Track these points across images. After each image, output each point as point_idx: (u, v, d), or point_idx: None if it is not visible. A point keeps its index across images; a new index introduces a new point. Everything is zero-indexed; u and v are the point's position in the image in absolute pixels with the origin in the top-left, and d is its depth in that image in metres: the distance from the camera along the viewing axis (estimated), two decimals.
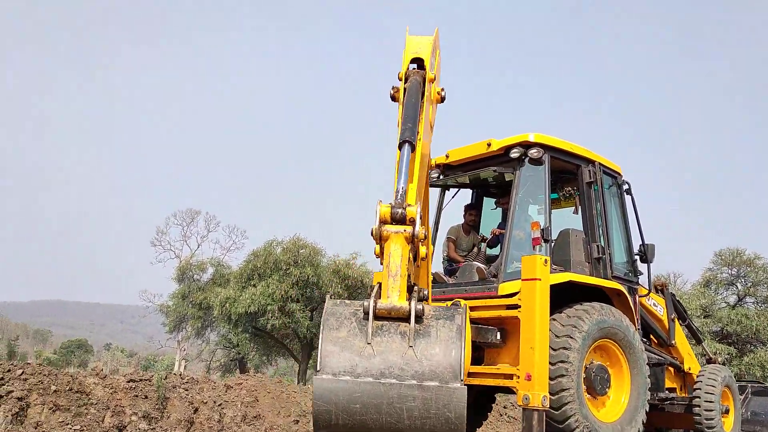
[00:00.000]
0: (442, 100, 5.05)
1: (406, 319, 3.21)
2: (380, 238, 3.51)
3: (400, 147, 4.11)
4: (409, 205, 3.59)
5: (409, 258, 3.53)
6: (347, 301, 3.46)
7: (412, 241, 3.48)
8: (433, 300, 6.96)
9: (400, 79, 4.71)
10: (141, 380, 11.35)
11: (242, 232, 42.97)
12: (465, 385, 3.04)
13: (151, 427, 11.00)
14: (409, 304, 3.24)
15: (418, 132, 4.28)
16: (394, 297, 3.29)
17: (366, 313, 3.23)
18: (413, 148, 4.13)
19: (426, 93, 4.58)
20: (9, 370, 9.76)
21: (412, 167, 4.10)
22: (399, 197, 3.71)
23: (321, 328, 3.28)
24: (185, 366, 41.76)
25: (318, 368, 3.15)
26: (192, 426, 11.68)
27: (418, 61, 4.74)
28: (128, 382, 11.10)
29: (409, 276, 3.54)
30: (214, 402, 11.87)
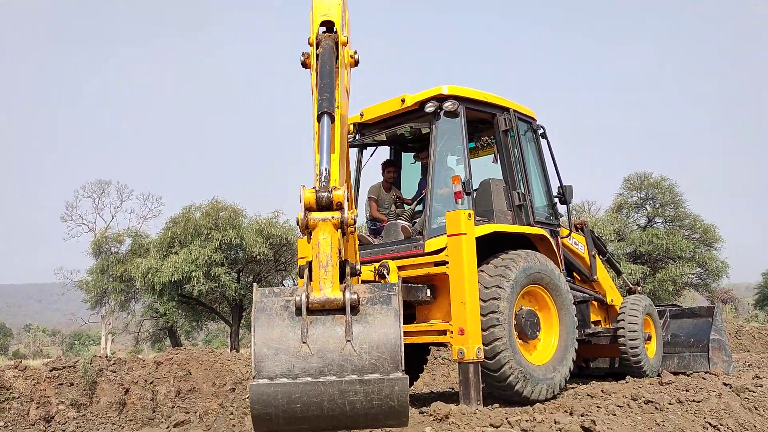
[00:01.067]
0: (356, 63, 4.81)
1: (342, 311, 3.08)
2: (307, 227, 3.32)
3: (319, 119, 3.87)
4: (335, 188, 3.38)
5: (339, 241, 3.39)
6: (276, 290, 3.26)
7: (341, 226, 3.31)
8: (361, 262, 6.89)
9: (311, 45, 4.44)
10: (65, 367, 10.87)
11: (157, 199, 41.74)
12: (405, 374, 2.97)
13: (81, 414, 10.61)
14: (343, 295, 3.09)
15: (336, 101, 4.04)
16: (327, 289, 3.14)
17: (298, 309, 3.08)
18: (332, 119, 3.89)
19: (339, 57, 4.35)
20: None
21: (333, 140, 3.92)
22: (323, 179, 3.49)
23: (252, 325, 3.12)
24: (113, 339, 40.71)
25: (253, 373, 3.01)
26: (124, 407, 11.35)
27: (328, 24, 4.46)
28: (51, 371, 10.61)
29: (339, 253, 3.37)
30: (145, 380, 11.54)
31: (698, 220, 27.27)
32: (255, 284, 3.47)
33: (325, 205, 3.34)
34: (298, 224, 3.36)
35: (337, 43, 4.35)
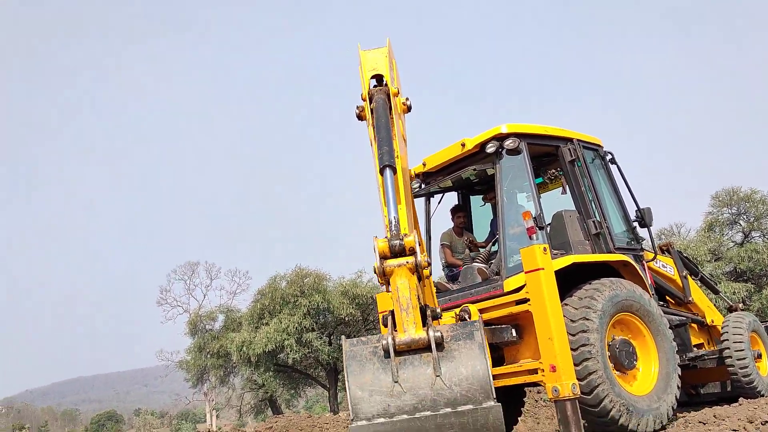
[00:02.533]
0: (409, 109, 5.00)
1: (427, 349, 3.20)
2: (384, 274, 3.47)
3: (382, 172, 4.03)
4: (405, 235, 3.53)
5: (416, 285, 3.47)
6: (364, 339, 3.42)
7: (416, 270, 3.43)
8: (441, 309, 6.87)
9: (364, 99, 4.62)
10: None
11: (245, 273, 42.92)
12: (497, 402, 3.06)
13: None
14: (428, 334, 3.21)
15: (395, 152, 4.21)
16: (411, 330, 3.26)
17: (386, 351, 3.22)
18: (395, 171, 4.05)
19: (393, 107, 4.49)
20: None
21: (398, 190, 4.02)
22: (393, 228, 3.65)
23: (345, 373, 3.27)
24: (217, 416, 41.54)
25: (351, 416, 3.15)
26: None
27: (378, 77, 4.66)
28: None
29: (418, 298, 3.50)
30: None
31: None
32: (343, 336, 3.58)
33: (398, 251, 3.48)
34: (375, 273, 3.50)
35: (389, 95, 4.49)
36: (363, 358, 3.28)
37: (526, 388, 8.43)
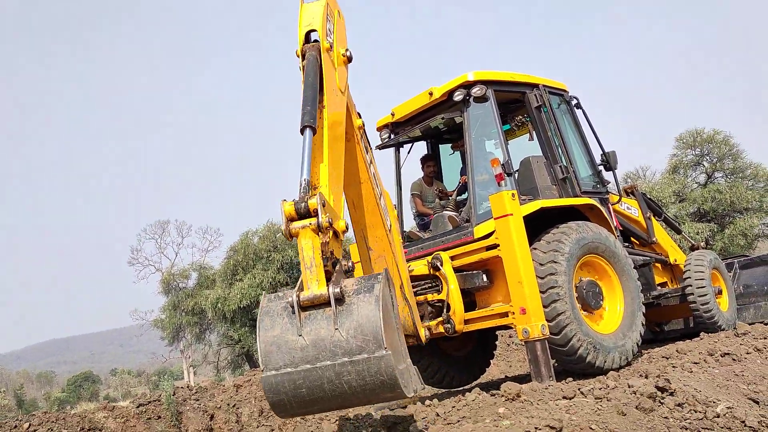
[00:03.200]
0: (350, 60, 5.00)
1: (329, 304, 3.44)
2: (290, 236, 3.65)
3: (302, 132, 4.10)
4: (310, 196, 3.67)
5: (325, 242, 3.64)
6: (280, 294, 3.64)
7: (320, 230, 3.59)
8: (414, 257, 6.98)
9: (298, 56, 4.59)
10: (150, 402, 11.29)
11: (216, 230, 42.74)
12: (388, 351, 3.32)
13: None
14: (328, 290, 3.44)
15: (321, 111, 4.36)
16: (314, 286, 3.47)
17: (292, 307, 3.47)
18: (314, 132, 4.14)
19: (325, 63, 4.50)
20: (16, 426, 9.64)
21: (319, 151, 4.18)
22: (302, 190, 3.78)
23: (257, 328, 3.52)
24: (194, 372, 41.85)
25: (262, 367, 3.45)
26: None
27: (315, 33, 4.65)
28: (138, 407, 11.04)
29: (332, 254, 3.68)
30: (228, 404, 11.86)
31: (759, 168, 26.29)
32: (264, 292, 3.72)
33: (303, 213, 3.63)
34: (283, 234, 3.69)
35: (320, 51, 4.50)
36: (275, 313, 3.53)
37: (498, 332, 8.66)
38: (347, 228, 4.00)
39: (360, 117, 5.47)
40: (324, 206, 3.66)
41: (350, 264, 3.82)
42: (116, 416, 10.84)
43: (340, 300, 3.46)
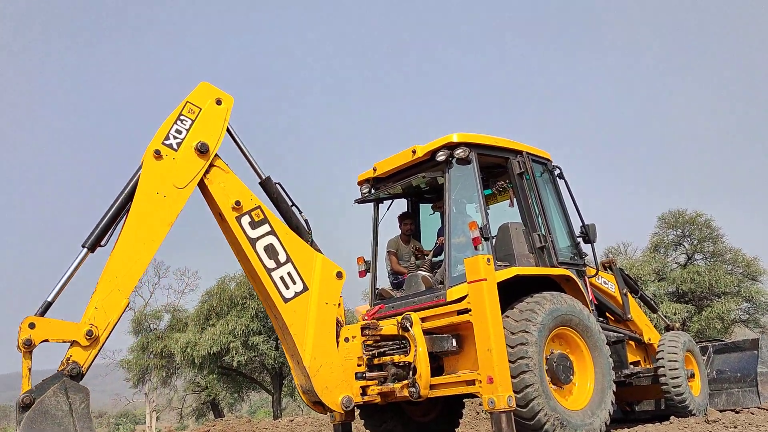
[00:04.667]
0: (201, 151, 5.71)
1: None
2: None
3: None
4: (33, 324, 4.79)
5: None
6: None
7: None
8: (385, 316, 6.83)
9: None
10: None
11: (194, 273, 42.04)
12: None
13: None
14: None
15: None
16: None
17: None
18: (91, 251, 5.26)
19: (145, 168, 5.51)
20: None
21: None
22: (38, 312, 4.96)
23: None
24: (157, 417, 40.57)
25: None
26: None
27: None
28: None
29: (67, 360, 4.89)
30: None
31: (739, 253, 26.45)
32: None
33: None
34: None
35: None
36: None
37: (467, 400, 8.45)
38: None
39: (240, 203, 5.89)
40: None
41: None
42: None
43: (25, 407, 4.63)
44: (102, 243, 5.29)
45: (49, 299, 4.98)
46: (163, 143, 5.57)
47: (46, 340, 4.84)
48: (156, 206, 5.47)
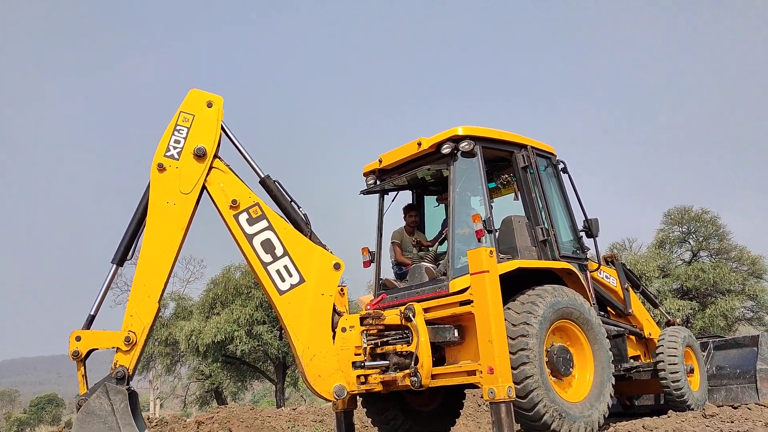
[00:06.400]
0: (199, 156, 5.99)
1: None
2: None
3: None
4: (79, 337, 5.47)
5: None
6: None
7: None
8: (388, 306, 6.90)
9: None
10: None
11: (199, 261, 42.25)
12: None
13: None
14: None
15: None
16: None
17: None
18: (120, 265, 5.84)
19: (153, 183, 5.88)
20: None
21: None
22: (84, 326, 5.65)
23: None
24: (161, 404, 40.86)
25: None
26: None
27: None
28: None
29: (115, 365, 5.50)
30: None
31: (744, 251, 26.46)
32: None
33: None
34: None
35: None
36: None
37: (469, 392, 8.53)
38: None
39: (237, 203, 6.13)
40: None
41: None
42: None
43: (78, 408, 5.24)
44: (128, 257, 5.85)
45: (92, 313, 5.67)
46: (164, 156, 5.93)
47: (95, 349, 5.47)
48: (167, 215, 5.85)
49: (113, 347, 5.49)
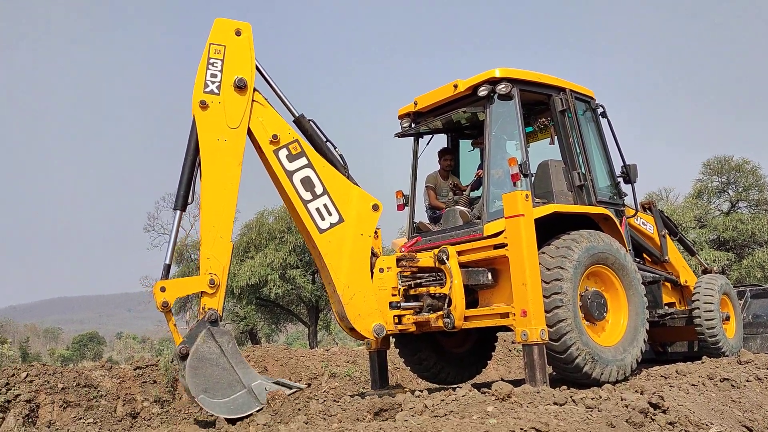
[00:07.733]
0: (241, 87, 5.85)
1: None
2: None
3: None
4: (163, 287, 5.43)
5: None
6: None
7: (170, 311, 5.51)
8: (422, 249, 6.94)
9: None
10: (148, 366, 11.36)
11: None
12: (199, 396, 5.37)
13: (165, 410, 11.04)
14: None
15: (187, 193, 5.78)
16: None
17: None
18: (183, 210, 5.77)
19: (199, 123, 5.76)
20: (13, 374, 9.75)
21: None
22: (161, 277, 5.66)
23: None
24: None
25: None
26: None
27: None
28: (135, 369, 11.10)
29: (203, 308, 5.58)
30: None
31: None
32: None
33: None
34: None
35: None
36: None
37: (501, 336, 8.60)
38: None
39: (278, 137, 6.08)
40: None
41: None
42: (113, 376, 10.91)
43: (184, 357, 5.32)
44: (189, 201, 5.77)
45: (167, 262, 5.68)
46: (204, 92, 5.75)
47: (180, 298, 5.57)
48: (221, 153, 5.75)
49: (199, 292, 5.55)
